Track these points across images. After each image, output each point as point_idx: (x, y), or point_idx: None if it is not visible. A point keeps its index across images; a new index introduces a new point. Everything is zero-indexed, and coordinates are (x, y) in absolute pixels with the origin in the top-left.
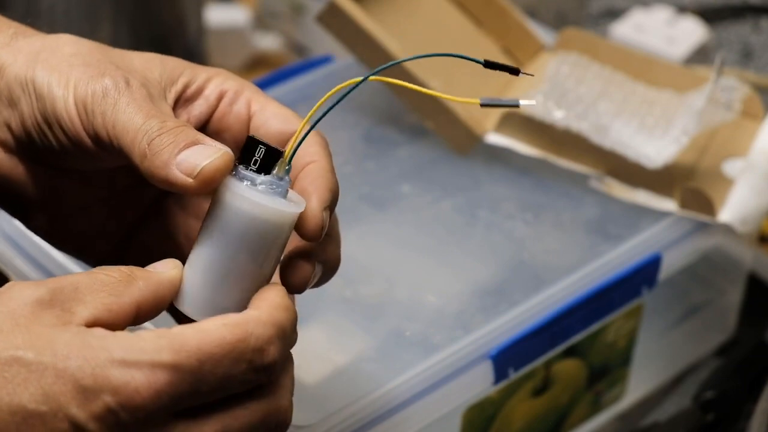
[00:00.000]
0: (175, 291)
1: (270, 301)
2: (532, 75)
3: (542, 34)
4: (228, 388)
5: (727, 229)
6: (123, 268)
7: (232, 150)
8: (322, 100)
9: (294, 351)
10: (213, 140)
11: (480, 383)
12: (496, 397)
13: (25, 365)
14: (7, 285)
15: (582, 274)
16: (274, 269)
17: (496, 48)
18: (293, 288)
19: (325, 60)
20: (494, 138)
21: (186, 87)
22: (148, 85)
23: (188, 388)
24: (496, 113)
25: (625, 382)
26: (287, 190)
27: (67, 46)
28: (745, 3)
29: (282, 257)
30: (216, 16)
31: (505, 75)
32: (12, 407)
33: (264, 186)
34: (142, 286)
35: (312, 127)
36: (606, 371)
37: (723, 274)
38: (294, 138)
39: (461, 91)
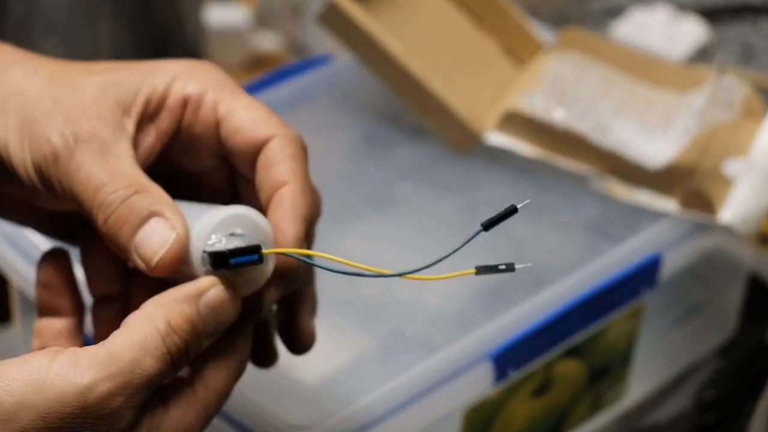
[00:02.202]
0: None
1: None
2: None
3: (543, 33)
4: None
5: (727, 229)
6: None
7: (209, 159)
8: None
9: None
10: (170, 208)
11: (480, 383)
12: (496, 397)
13: None
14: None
15: (582, 274)
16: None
17: (496, 47)
18: (300, 348)
19: (325, 60)
20: (494, 138)
21: (147, 104)
22: (101, 129)
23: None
24: (496, 113)
25: (625, 382)
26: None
27: (20, 96)
28: (745, 3)
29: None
30: (215, 15)
31: (505, 75)
32: None
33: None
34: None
35: None
36: (606, 371)
37: (723, 274)
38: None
39: (461, 90)
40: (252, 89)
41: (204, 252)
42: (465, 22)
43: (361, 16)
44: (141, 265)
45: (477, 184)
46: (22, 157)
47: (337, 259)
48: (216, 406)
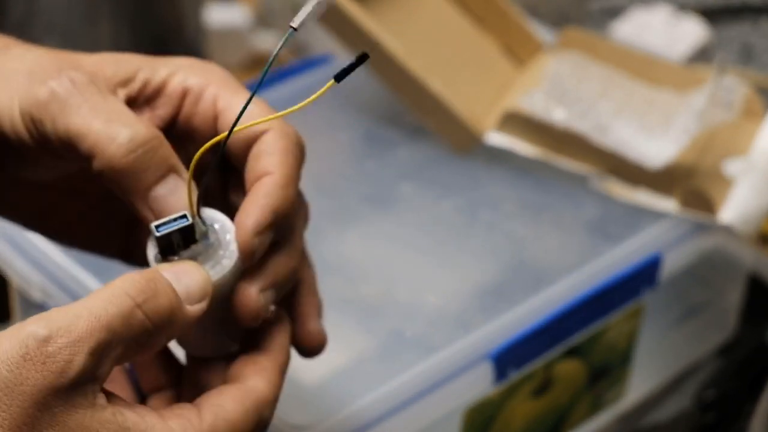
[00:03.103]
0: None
1: (279, 383)
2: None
3: (542, 33)
4: None
5: (727, 230)
6: (165, 304)
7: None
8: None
9: (294, 351)
10: (184, 170)
11: (480, 383)
12: (496, 397)
13: None
14: (38, 339)
15: (582, 274)
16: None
17: (496, 47)
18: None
19: (324, 60)
20: (494, 138)
21: (145, 84)
22: (97, 82)
23: None
24: (496, 113)
25: (625, 382)
26: (215, 247)
27: (12, 60)
28: (745, 3)
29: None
30: (216, 15)
31: (505, 75)
32: None
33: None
34: (170, 333)
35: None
36: (606, 371)
37: (723, 274)
38: (190, 200)
39: (461, 91)
40: (252, 89)
41: (168, 235)
42: (465, 22)
43: (361, 16)
44: (150, 218)
45: (477, 184)
46: (9, 107)
47: None
48: None
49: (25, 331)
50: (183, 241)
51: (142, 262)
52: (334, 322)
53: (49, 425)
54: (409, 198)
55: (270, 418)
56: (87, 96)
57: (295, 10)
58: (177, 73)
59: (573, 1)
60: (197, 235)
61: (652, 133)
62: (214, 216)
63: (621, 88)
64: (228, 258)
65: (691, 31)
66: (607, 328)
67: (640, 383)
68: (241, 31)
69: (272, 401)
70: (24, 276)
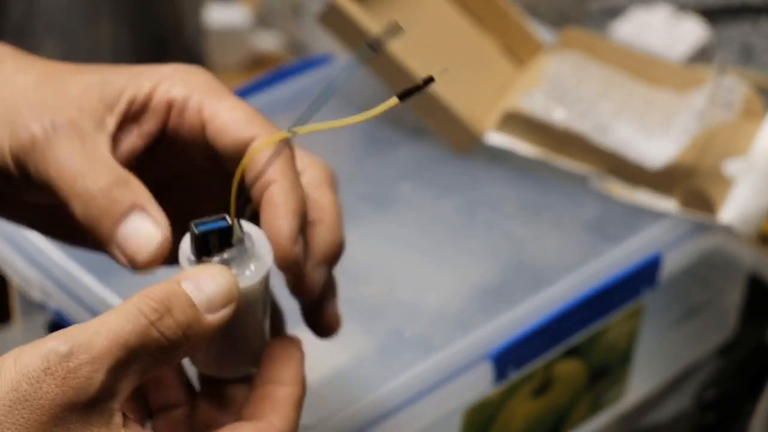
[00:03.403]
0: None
1: (294, 418)
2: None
3: (543, 33)
4: None
5: (727, 230)
6: (182, 318)
7: (195, 160)
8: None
9: None
10: (151, 204)
11: (480, 383)
12: (496, 397)
13: None
14: (60, 355)
15: (582, 274)
16: (266, 320)
17: (496, 47)
18: (327, 332)
19: (325, 60)
20: (494, 138)
21: (131, 102)
22: (81, 120)
23: None
24: (496, 113)
25: (625, 382)
26: (249, 254)
27: (6, 87)
28: (745, 3)
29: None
30: (216, 15)
31: (505, 75)
32: None
33: (228, 265)
34: (189, 348)
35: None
36: (606, 371)
37: (723, 274)
38: (232, 203)
39: (461, 90)
40: (252, 89)
41: (206, 234)
42: (465, 22)
43: (361, 16)
44: (122, 260)
45: (477, 184)
46: (1, 145)
47: None
48: None
49: (46, 346)
50: (219, 244)
51: None
52: None
53: None
54: (409, 198)
55: None
56: (64, 143)
57: (296, 10)
58: (160, 85)
59: (573, 1)
60: (234, 240)
61: (652, 133)
62: (247, 226)
63: (621, 88)
64: (262, 264)
65: (691, 31)
66: (607, 328)
67: (640, 383)
68: (241, 31)
69: None
70: (24, 276)
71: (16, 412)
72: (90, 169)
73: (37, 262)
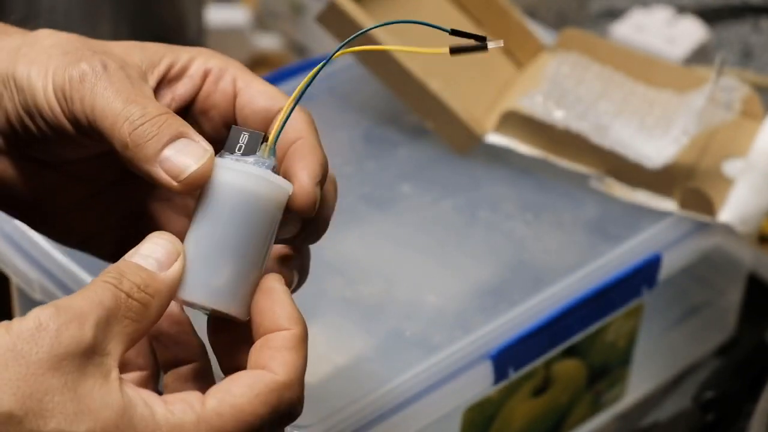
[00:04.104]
0: (177, 288)
1: (293, 361)
2: (500, 43)
3: (542, 34)
4: None
5: (727, 229)
6: (138, 280)
7: (220, 128)
8: (306, 79)
9: None
10: (196, 133)
11: (480, 383)
12: (496, 397)
13: None
14: (50, 315)
15: (582, 274)
16: (267, 254)
17: (496, 48)
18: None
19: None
20: (494, 138)
21: (169, 68)
22: (127, 68)
23: None
24: (496, 114)
25: (625, 382)
26: (273, 169)
27: (46, 39)
28: (745, 3)
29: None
30: (216, 15)
31: (505, 74)
32: None
33: (252, 162)
34: (157, 305)
35: (294, 106)
36: (606, 371)
37: (723, 274)
38: (279, 120)
39: (461, 91)
40: None
41: (243, 132)
42: (465, 22)
43: (361, 16)
44: (165, 178)
45: (477, 184)
46: (43, 84)
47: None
48: (236, 425)
49: (33, 312)
50: (247, 146)
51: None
52: (334, 322)
53: (60, 391)
54: (409, 198)
55: (294, 400)
56: (114, 80)
57: (296, 11)
58: (198, 57)
59: (573, 3)
60: (259, 148)
61: (652, 133)
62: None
63: (621, 88)
64: (285, 182)
65: (691, 32)
66: (606, 327)
67: (639, 383)
68: (242, 31)
69: (291, 383)
70: (24, 276)
71: (13, 368)
72: (141, 98)
73: (37, 262)
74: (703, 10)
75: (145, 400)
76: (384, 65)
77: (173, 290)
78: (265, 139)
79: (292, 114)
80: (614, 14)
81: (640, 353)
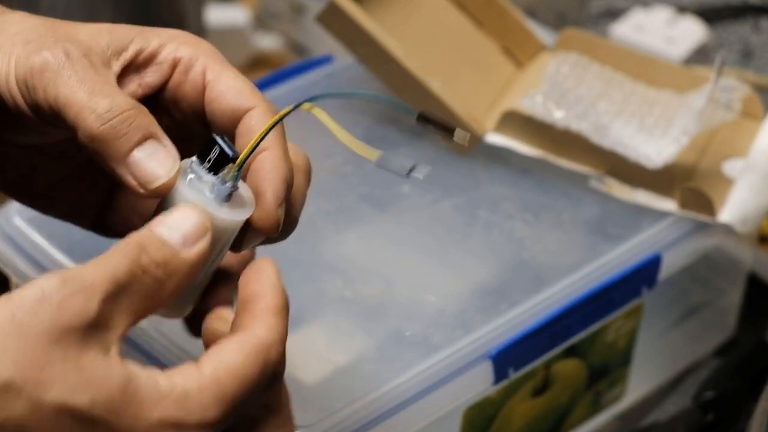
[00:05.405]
0: (197, 268)
1: (275, 324)
2: (466, 146)
3: (542, 34)
4: (249, 415)
5: (727, 229)
6: (159, 256)
7: (191, 118)
8: (268, 124)
9: (294, 351)
10: (164, 135)
11: (480, 383)
12: (496, 397)
13: (78, 418)
14: (54, 286)
15: (582, 274)
16: (217, 262)
17: (496, 48)
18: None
19: (325, 60)
20: (494, 138)
21: (138, 54)
22: (91, 55)
23: (225, 426)
24: (496, 114)
25: (625, 382)
26: (230, 195)
27: (12, 25)
28: (745, 3)
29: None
30: (216, 15)
31: (506, 75)
32: None
33: (207, 186)
34: (174, 283)
35: (262, 138)
36: (606, 371)
37: (723, 274)
38: (248, 147)
39: (461, 91)
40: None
41: (216, 145)
42: (465, 22)
43: (361, 17)
44: (132, 183)
45: (477, 184)
46: (6, 74)
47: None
48: (235, 387)
49: (38, 282)
50: (215, 162)
51: (115, 235)
52: (334, 322)
53: (61, 361)
54: (409, 198)
55: (279, 361)
56: (78, 68)
57: (296, 11)
58: (169, 44)
59: (572, 3)
60: (226, 171)
61: (652, 133)
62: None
63: (621, 88)
64: (245, 210)
65: (691, 32)
66: (606, 327)
67: (639, 383)
68: (241, 31)
69: (275, 343)
70: (24, 276)
71: (12, 338)
72: (107, 89)
73: (37, 262)
74: (703, 10)
75: (147, 373)
76: (384, 65)
77: (192, 271)
78: (231, 160)
79: (259, 116)
80: (614, 14)
81: (640, 353)
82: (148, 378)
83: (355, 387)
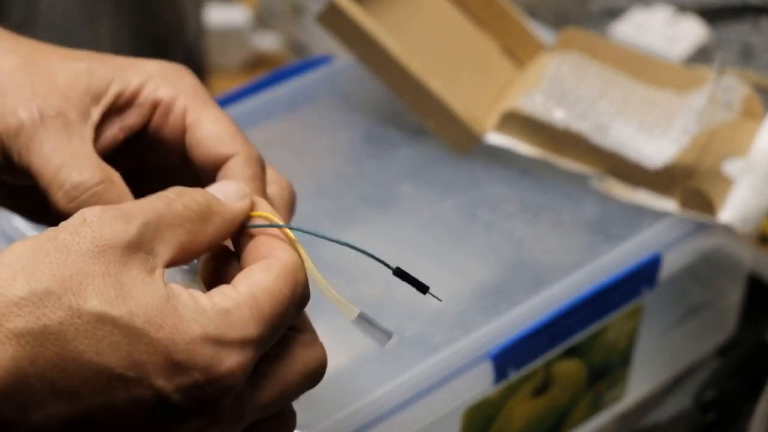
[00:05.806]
0: (241, 222)
1: (293, 252)
2: (440, 300)
3: (542, 33)
4: (283, 333)
5: (727, 229)
6: (199, 197)
7: (173, 159)
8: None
9: None
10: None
11: (480, 383)
12: (496, 397)
13: (118, 326)
14: (95, 213)
15: (582, 274)
16: None
17: (496, 48)
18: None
19: (325, 60)
20: (494, 138)
21: (118, 96)
22: (68, 110)
23: (264, 349)
24: (496, 113)
25: (625, 382)
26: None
27: None
28: (745, 3)
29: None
30: (216, 15)
31: (505, 75)
32: (99, 368)
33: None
34: (218, 224)
35: None
36: (606, 371)
37: (723, 274)
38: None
39: (461, 91)
40: (252, 89)
41: None
42: (465, 22)
43: (361, 16)
44: None
45: (477, 184)
46: None
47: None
48: (271, 305)
49: (80, 213)
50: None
51: None
52: (334, 322)
53: (101, 276)
54: (409, 198)
55: (306, 284)
56: (50, 134)
57: (296, 11)
58: (148, 83)
59: (573, 2)
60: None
61: (652, 133)
62: None
63: (621, 88)
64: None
65: (691, 32)
66: (606, 327)
67: (639, 383)
68: (241, 31)
69: (299, 267)
70: None
71: (54, 255)
72: (76, 162)
73: None
74: (704, 9)
75: (188, 292)
76: (384, 65)
77: (237, 219)
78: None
79: (239, 166)
80: (614, 14)
81: (640, 353)
82: (189, 296)
83: (355, 387)
